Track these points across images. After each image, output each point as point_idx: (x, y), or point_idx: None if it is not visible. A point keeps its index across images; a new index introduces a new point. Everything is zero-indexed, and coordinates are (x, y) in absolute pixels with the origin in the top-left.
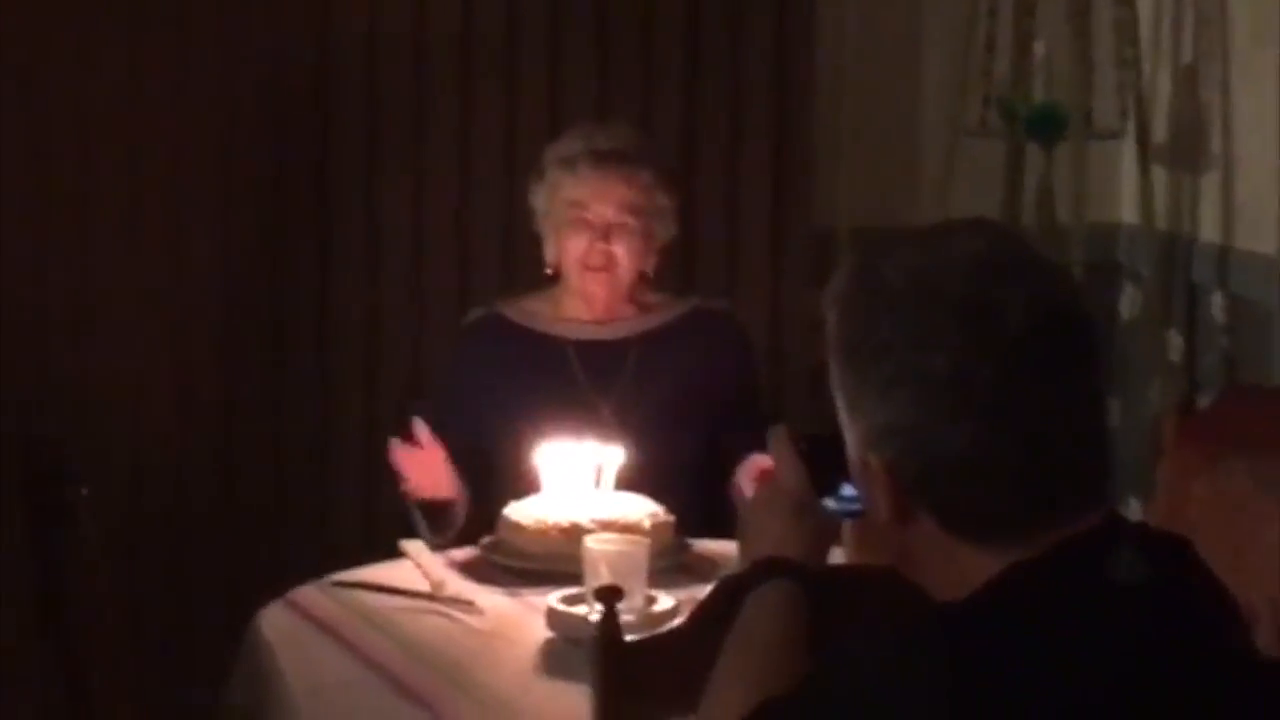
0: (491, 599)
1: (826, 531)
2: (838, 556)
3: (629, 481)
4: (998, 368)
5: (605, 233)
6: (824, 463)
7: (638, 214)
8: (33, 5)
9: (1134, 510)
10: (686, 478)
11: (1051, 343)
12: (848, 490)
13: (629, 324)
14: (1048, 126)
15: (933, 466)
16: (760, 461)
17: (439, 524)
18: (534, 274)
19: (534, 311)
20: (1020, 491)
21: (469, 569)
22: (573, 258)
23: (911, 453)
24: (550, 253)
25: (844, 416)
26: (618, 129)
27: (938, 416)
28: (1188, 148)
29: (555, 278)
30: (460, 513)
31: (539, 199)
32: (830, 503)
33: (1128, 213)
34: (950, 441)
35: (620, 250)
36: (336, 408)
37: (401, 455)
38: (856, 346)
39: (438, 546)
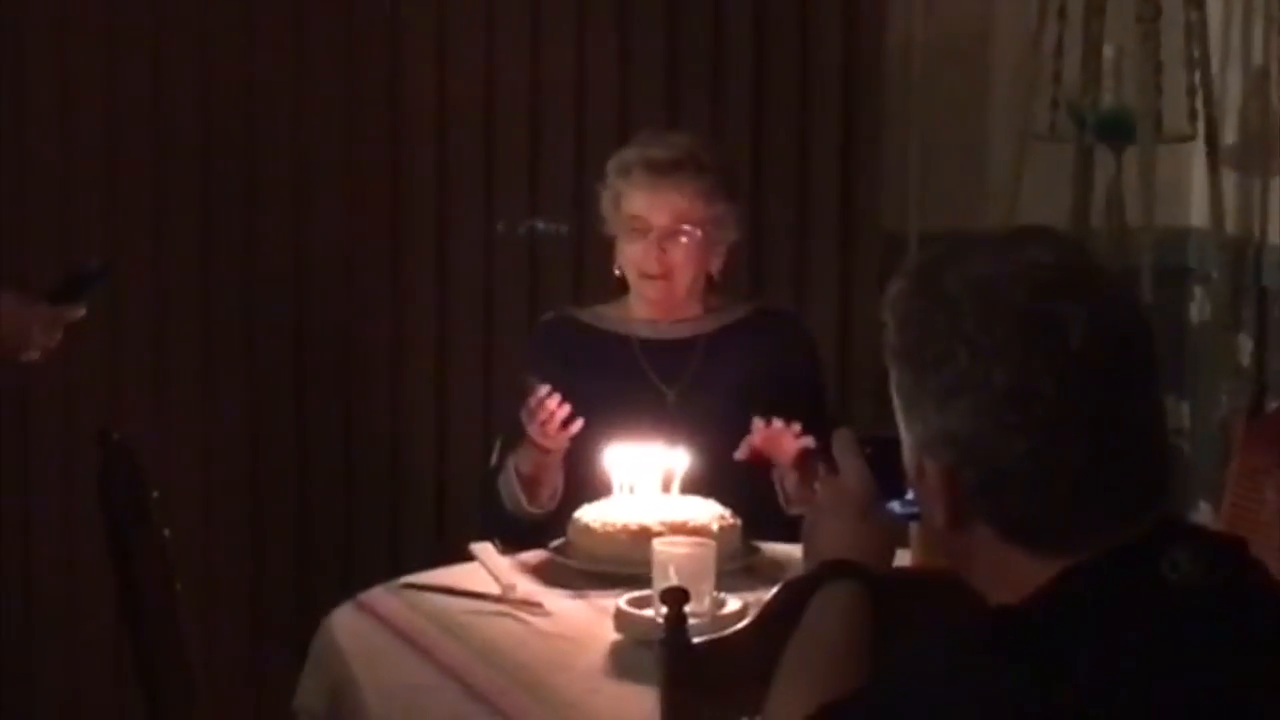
0: (560, 602)
1: (891, 534)
2: (904, 559)
3: (693, 476)
4: (1058, 382)
5: (661, 241)
6: (889, 466)
7: (693, 222)
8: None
9: (1204, 513)
10: (749, 473)
11: (1112, 358)
12: (912, 494)
13: (694, 323)
14: (1117, 130)
15: (989, 476)
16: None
17: (536, 491)
18: (604, 284)
19: (602, 314)
20: (1076, 502)
21: (538, 572)
22: (631, 265)
23: (968, 461)
24: (618, 257)
25: (901, 420)
26: (677, 136)
27: (996, 427)
28: (1258, 151)
29: (624, 283)
30: (558, 485)
31: (604, 204)
32: (895, 506)
33: (1197, 216)
34: (1008, 452)
35: (677, 258)
36: (408, 413)
37: (540, 401)
38: (916, 353)
39: (530, 516)
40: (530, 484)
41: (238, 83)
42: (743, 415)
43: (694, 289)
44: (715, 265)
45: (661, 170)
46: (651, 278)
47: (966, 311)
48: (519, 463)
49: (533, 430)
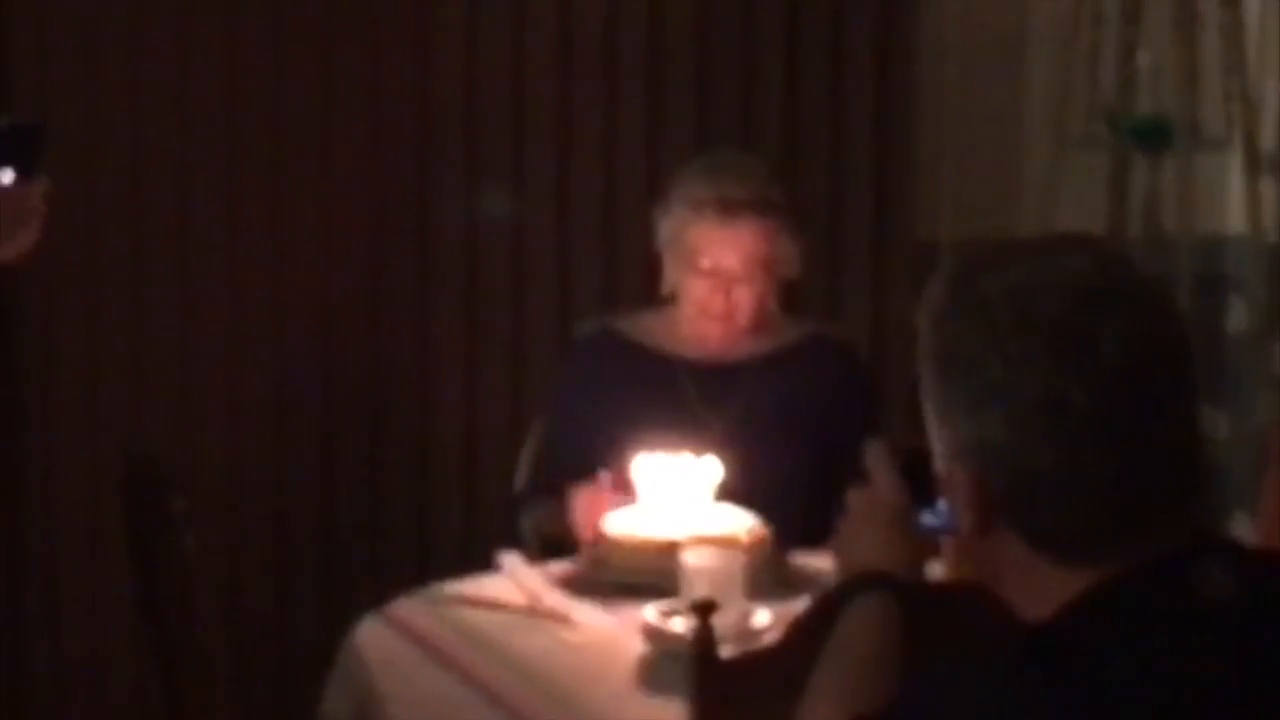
0: (588, 613)
1: (923, 546)
2: (936, 571)
3: (737, 501)
4: (1091, 395)
5: (726, 283)
6: (922, 477)
7: (761, 264)
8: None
9: (1240, 523)
10: (796, 501)
11: (1147, 371)
12: (945, 505)
13: (745, 347)
14: (1153, 136)
15: (1019, 485)
16: None
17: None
18: (637, 288)
19: (648, 329)
20: (1105, 514)
21: (566, 583)
22: (691, 301)
23: (998, 469)
24: (669, 278)
25: (932, 426)
26: (748, 170)
27: (1027, 437)
28: None
29: (672, 299)
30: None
31: (664, 228)
32: (928, 517)
33: (1235, 223)
34: (1038, 462)
35: (741, 299)
36: (436, 421)
37: (592, 499)
38: (949, 359)
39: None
40: (549, 539)
41: (264, 86)
42: (789, 442)
43: (752, 323)
44: (771, 296)
45: (734, 211)
46: (714, 318)
47: (1002, 320)
48: (544, 522)
49: (577, 527)
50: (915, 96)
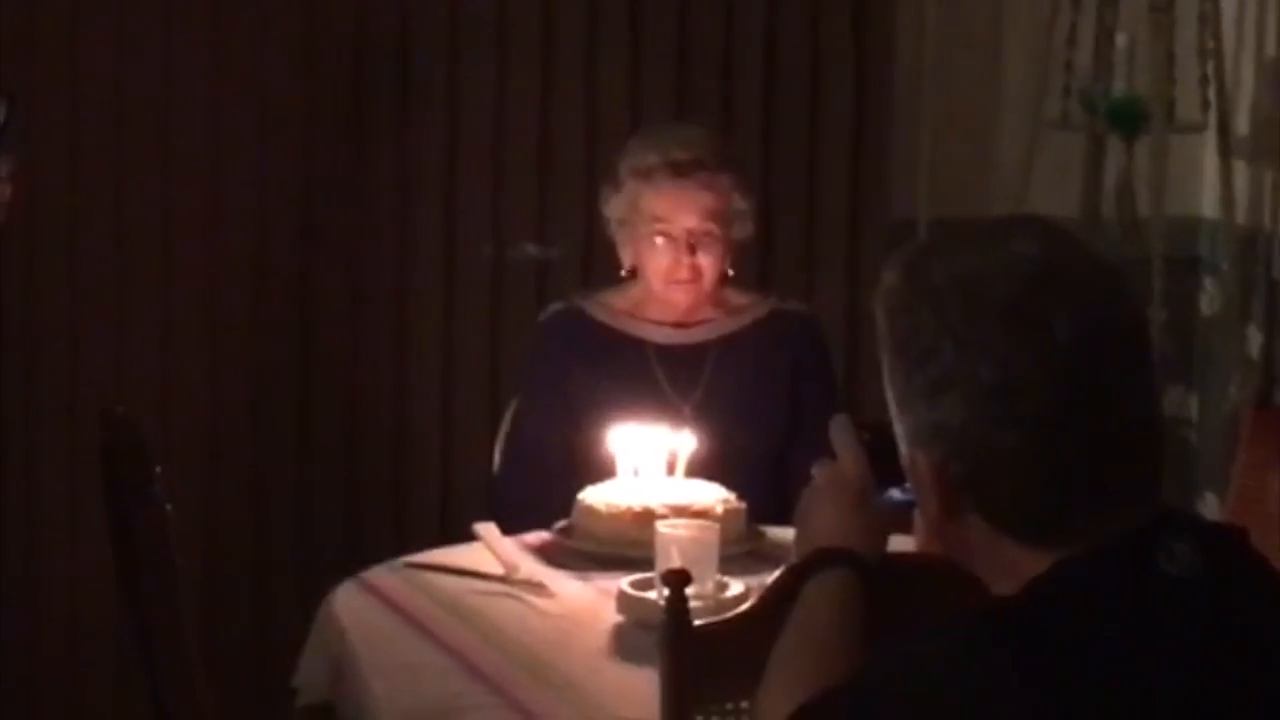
0: (563, 583)
1: (886, 522)
2: (905, 545)
3: (705, 478)
4: (1046, 377)
5: (689, 244)
6: (889, 453)
7: (719, 220)
8: None
9: (1210, 505)
10: (764, 476)
11: (1100, 350)
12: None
13: (710, 327)
14: (1129, 119)
15: (980, 469)
16: None
17: None
18: (613, 268)
19: (615, 310)
20: (1066, 494)
21: (542, 552)
22: (656, 270)
23: (959, 454)
24: (627, 257)
25: (893, 412)
26: (691, 134)
27: (985, 421)
28: (1269, 141)
29: (633, 276)
30: None
31: (615, 208)
32: (895, 493)
33: (1209, 206)
34: (998, 445)
35: (705, 260)
36: (413, 392)
37: None
38: (905, 347)
39: None
40: None
41: (247, 77)
42: (756, 419)
43: (714, 286)
44: (729, 261)
45: (685, 171)
46: (681, 282)
47: (952, 306)
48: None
49: None
50: (892, 76)
